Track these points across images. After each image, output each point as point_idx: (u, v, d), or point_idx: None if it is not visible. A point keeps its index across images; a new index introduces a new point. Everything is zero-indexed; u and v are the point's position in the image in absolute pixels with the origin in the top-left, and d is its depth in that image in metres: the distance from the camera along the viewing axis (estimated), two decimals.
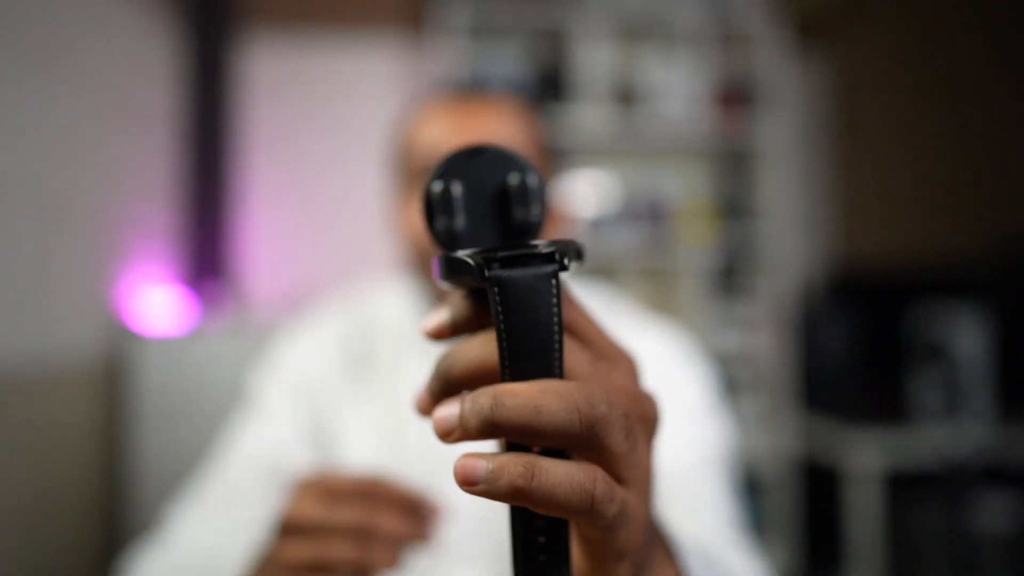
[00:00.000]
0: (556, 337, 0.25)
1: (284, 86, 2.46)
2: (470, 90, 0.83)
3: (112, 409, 1.76)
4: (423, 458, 0.76)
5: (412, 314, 0.85)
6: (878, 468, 1.93)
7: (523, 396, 0.24)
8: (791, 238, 2.37)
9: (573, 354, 0.28)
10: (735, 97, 2.35)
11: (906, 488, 2.06)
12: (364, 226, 2.40)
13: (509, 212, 0.30)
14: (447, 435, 0.25)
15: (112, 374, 1.75)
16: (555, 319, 0.25)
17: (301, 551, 0.45)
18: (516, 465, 0.23)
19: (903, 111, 2.79)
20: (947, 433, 1.82)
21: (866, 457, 1.92)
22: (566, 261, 0.26)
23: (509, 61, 2.36)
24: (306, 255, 2.44)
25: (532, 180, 0.29)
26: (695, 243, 2.27)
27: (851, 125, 2.78)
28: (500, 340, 0.25)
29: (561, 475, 0.24)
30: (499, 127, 0.78)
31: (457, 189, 0.29)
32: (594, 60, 2.25)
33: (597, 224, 2.31)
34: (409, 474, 0.75)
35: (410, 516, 0.47)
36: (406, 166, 0.82)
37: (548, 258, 0.25)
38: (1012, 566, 1.86)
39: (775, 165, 2.31)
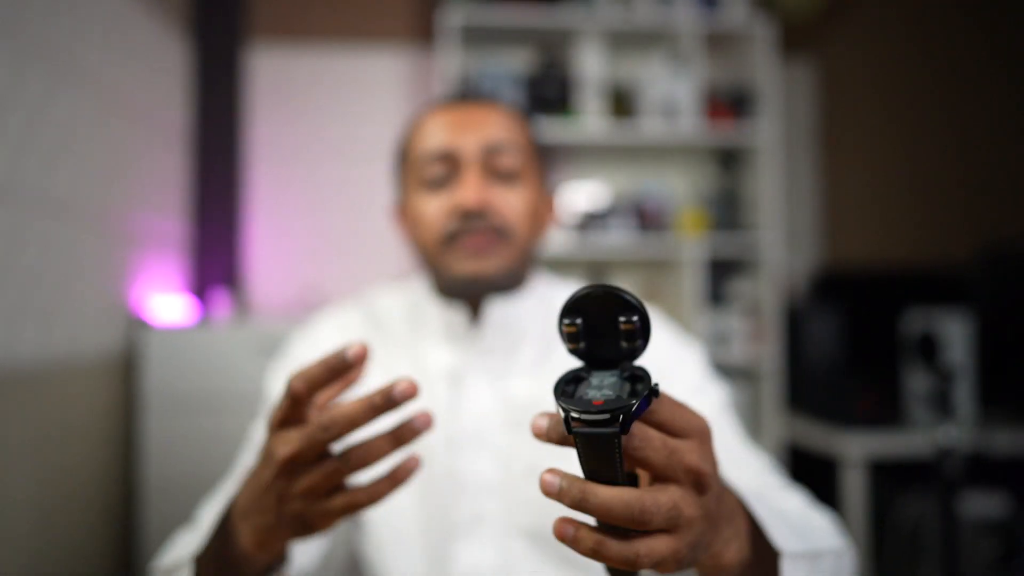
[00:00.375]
0: (618, 465, 0.38)
1: (292, 96, 2.51)
2: (466, 95, 0.90)
3: (128, 400, 1.83)
4: (447, 434, 0.81)
5: (424, 303, 0.91)
6: (864, 466, 1.97)
7: (601, 497, 0.37)
8: (780, 241, 2.43)
9: (653, 451, 0.39)
10: (726, 101, 2.42)
11: (892, 484, 2.11)
12: (373, 236, 2.45)
13: (619, 341, 0.40)
14: (548, 495, 0.38)
15: (127, 367, 1.82)
16: (617, 456, 0.37)
17: (313, 477, 0.49)
18: (591, 540, 0.38)
19: (886, 116, 2.87)
20: (932, 434, 1.87)
21: (853, 456, 1.96)
22: (628, 422, 0.37)
23: (509, 65, 2.44)
24: (314, 265, 2.48)
25: (636, 320, 0.39)
26: (686, 244, 2.34)
27: (836, 129, 2.86)
28: (581, 463, 0.38)
29: (615, 550, 0.38)
30: (493, 130, 0.84)
31: (579, 322, 0.40)
32: (590, 64, 2.33)
33: (591, 224, 2.38)
34: (431, 449, 0.80)
35: (344, 380, 0.52)
36: (406, 170, 0.88)
37: (613, 421, 0.36)
38: (994, 553, 1.92)
39: (765, 168, 2.38)
